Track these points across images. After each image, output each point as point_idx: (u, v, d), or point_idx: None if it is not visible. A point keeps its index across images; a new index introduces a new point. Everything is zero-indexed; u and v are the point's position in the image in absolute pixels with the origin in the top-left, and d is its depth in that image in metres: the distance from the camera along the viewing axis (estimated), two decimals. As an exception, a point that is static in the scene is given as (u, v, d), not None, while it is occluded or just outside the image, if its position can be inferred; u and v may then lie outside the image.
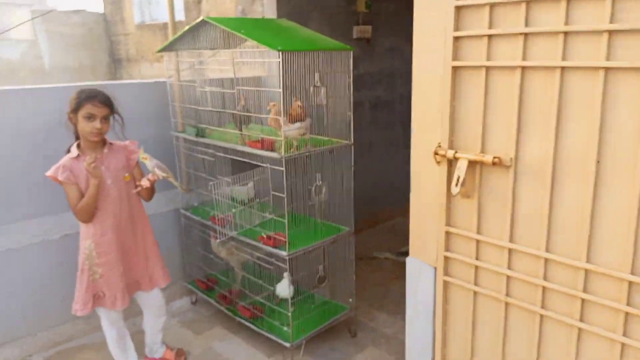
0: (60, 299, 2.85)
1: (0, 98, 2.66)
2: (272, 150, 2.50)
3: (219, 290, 3.20)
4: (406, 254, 2.12)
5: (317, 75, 2.50)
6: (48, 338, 2.90)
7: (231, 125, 2.86)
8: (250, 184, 2.80)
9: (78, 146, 2.31)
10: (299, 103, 2.47)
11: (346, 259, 2.87)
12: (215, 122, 2.92)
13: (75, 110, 2.22)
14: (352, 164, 2.73)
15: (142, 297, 2.57)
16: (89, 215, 2.29)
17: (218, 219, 2.78)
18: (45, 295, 2.86)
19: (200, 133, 2.97)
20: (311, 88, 2.51)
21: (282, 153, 2.42)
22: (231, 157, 2.81)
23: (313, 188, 2.61)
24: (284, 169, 2.43)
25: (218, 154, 2.91)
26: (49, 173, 2.23)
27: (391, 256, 4.09)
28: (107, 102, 2.28)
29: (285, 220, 2.53)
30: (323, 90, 2.54)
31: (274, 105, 2.44)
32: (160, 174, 2.38)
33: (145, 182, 2.38)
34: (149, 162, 2.39)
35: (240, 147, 2.67)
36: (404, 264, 2.15)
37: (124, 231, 2.39)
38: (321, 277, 2.77)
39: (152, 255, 2.53)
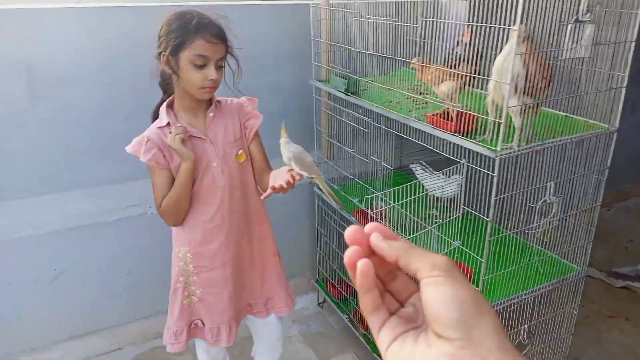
0: (156, 284, 2.24)
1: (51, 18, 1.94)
2: (472, 132, 1.43)
3: (354, 305, 2.34)
4: None
5: (585, 1, 1.31)
6: (141, 330, 2.34)
7: (402, 74, 1.82)
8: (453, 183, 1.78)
9: (169, 107, 1.48)
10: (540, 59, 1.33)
11: (567, 314, 1.77)
12: (379, 72, 1.90)
13: (177, 49, 1.35)
14: (608, 165, 1.55)
15: (253, 322, 1.79)
16: (178, 215, 1.50)
17: (369, 217, 1.84)
18: (139, 279, 2.26)
19: (351, 88, 1.98)
20: (568, 26, 1.34)
21: (499, 147, 1.35)
22: (397, 133, 1.80)
23: (538, 206, 1.51)
24: (496, 174, 1.36)
25: (375, 124, 1.91)
26: (129, 148, 1.45)
27: None
28: (223, 37, 1.39)
29: (482, 258, 1.49)
30: (590, 29, 1.35)
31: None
32: (298, 170, 1.39)
33: (278, 183, 1.38)
34: (285, 149, 1.43)
35: (414, 123, 1.63)
36: None
37: (234, 236, 1.57)
38: (522, 343, 1.72)
39: (272, 270, 1.70)
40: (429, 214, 2.17)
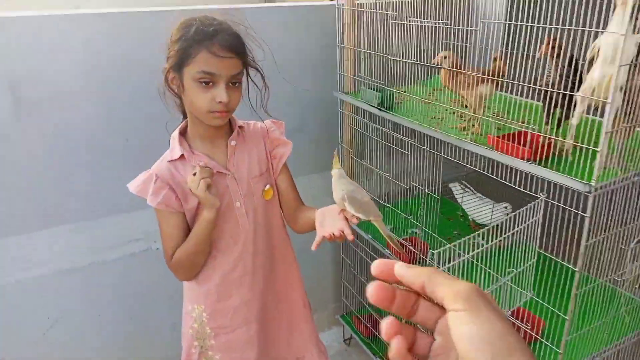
0: (162, 329, 1.98)
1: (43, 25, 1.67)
2: (547, 158, 1.17)
3: (386, 346, 2.07)
4: None
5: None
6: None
7: (436, 82, 1.56)
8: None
9: (182, 134, 1.21)
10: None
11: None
12: (411, 82, 1.64)
13: (180, 64, 1.08)
14: None
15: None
16: (193, 270, 1.23)
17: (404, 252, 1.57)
18: (143, 324, 1.99)
19: (385, 102, 1.72)
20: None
21: (594, 179, 1.07)
22: (447, 157, 1.53)
23: (630, 249, 1.24)
24: (589, 213, 1.09)
25: (417, 144, 1.64)
26: (134, 187, 1.17)
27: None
28: (238, 47, 1.10)
29: (565, 314, 1.22)
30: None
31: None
32: (353, 213, 1.09)
33: (329, 232, 1.10)
34: (338, 185, 1.14)
35: (471, 146, 1.36)
36: None
37: (259, 288, 1.30)
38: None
39: (302, 324, 1.42)
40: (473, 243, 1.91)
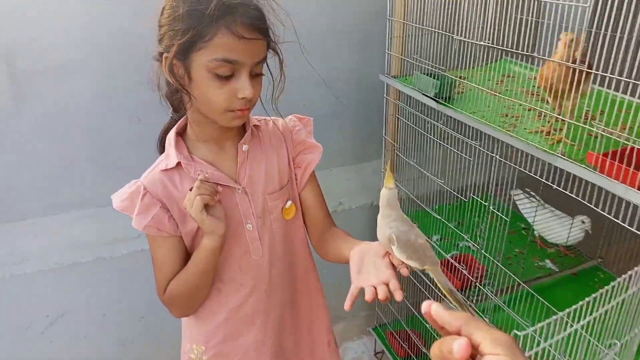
0: (175, 329, 1.78)
1: None
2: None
3: (426, 370, 1.80)
4: None
5: None
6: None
7: (504, 66, 1.22)
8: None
9: (179, 135, 0.94)
10: None
11: None
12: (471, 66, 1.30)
13: (187, 49, 0.79)
14: None
15: None
16: (191, 306, 0.98)
17: (468, 308, 1.28)
18: (154, 323, 1.79)
19: (444, 92, 1.39)
20: None
21: None
22: (524, 171, 1.19)
23: None
24: None
25: (484, 150, 1.31)
26: (117, 201, 0.91)
27: None
28: (263, 24, 0.81)
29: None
30: None
31: None
32: (404, 260, 0.79)
33: (369, 284, 0.76)
34: (384, 219, 0.81)
35: (565, 163, 1.03)
36: None
37: (274, 327, 1.03)
38: None
39: (325, 356, 1.17)
40: (538, 266, 1.59)
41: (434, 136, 1.51)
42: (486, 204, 1.31)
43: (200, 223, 0.84)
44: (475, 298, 1.42)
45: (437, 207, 1.78)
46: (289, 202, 0.99)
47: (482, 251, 1.35)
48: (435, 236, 1.73)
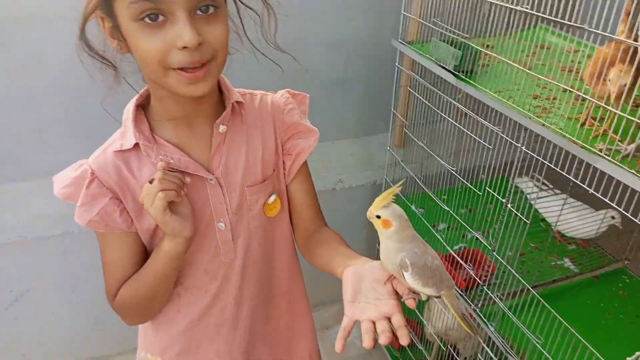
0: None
1: None
2: None
3: (423, 356, 1.67)
4: None
5: None
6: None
7: (535, 35, 1.01)
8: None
9: (141, 107, 0.74)
10: None
11: None
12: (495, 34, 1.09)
13: None
14: None
15: None
16: (146, 315, 0.81)
17: (478, 333, 1.13)
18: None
19: (466, 64, 1.18)
20: None
21: None
22: (555, 168, 1.00)
23: None
24: None
25: (511, 140, 1.11)
26: (58, 186, 0.72)
27: None
28: None
29: None
30: None
31: None
32: (416, 288, 0.63)
33: (366, 317, 0.61)
34: (395, 242, 0.63)
35: (608, 166, 0.84)
36: None
37: (243, 339, 0.86)
38: None
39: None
40: (556, 265, 1.42)
41: (449, 115, 1.31)
42: (504, 200, 1.13)
43: (162, 224, 0.67)
44: (480, 302, 1.26)
45: (447, 190, 1.60)
46: (273, 197, 0.82)
47: (494, 253, 1.19)
48: (442, 224, 1.56)
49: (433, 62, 1.24)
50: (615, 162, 0.81)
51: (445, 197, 1.52)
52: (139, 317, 0.81)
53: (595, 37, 0.83)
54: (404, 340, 0.59)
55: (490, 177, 1.23)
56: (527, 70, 1.07)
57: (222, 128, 0.74)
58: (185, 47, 0.59)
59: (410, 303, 0.65)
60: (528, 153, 1.04)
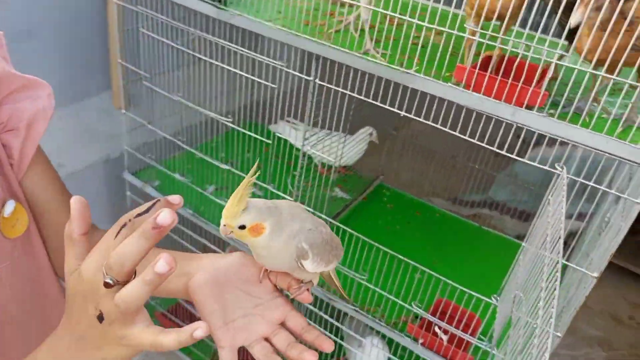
0: None
1: None
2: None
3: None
4: None
5: None
6: None
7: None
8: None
9: None
10: None
11: None
12: None
13: None
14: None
15: None
16: None
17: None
18: None
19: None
20: None
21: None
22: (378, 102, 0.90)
23: None
24: None
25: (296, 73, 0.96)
26: None
27: None
28: None
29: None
30: None
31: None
32: (317, 269, 0.46)
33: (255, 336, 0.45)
34: (287, 227, 0.44)
35: (424, 82, 0.79)
36: None
37: None
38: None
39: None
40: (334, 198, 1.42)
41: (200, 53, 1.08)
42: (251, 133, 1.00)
43: None
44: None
45: (203, 143, 1.38)
46: (10, 205, 0.46)
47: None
48: (210, 186, 1.35)
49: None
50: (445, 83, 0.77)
51: (203, 151, 1.28)
52: None
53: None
54: (325, 346, 0.41)
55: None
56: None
57: None
58: None
59: (306, 296, 0.46)
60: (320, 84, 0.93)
